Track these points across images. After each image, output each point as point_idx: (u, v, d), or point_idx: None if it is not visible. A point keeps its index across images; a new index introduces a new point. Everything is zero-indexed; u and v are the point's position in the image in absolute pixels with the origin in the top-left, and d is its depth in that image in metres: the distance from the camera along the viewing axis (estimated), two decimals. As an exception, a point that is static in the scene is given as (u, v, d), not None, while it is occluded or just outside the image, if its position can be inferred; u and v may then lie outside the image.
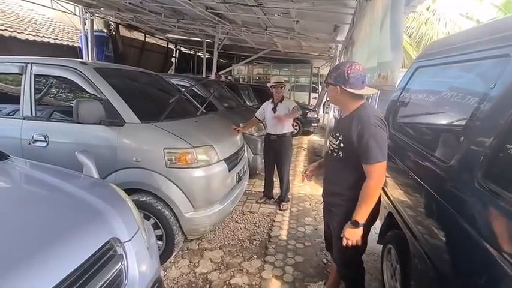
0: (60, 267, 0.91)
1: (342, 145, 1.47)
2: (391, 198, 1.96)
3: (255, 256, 2.40)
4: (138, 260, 1.17)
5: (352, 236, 1.40)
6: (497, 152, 0.98)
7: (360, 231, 1.40)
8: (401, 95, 2.22)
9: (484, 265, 0.95)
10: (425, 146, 1.58)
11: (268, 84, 3.26)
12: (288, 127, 3.19)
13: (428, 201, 1.42)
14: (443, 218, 1.24)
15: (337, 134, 1.50)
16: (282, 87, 3.12)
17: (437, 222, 1.30)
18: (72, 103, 2.06)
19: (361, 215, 1.38)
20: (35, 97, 2.32)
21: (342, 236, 1.44)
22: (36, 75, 2.34)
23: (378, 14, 1.99)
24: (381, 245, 2.13)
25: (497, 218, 0.93)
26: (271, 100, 3.23)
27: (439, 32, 9.68)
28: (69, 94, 2.56)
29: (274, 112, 3.14)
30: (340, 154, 1.48)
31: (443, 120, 1.60)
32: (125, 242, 1.15)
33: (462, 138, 1.20)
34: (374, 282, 2.14)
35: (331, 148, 1.56)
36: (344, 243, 1.43)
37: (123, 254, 1.11)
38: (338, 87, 1.42)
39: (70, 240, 1.01)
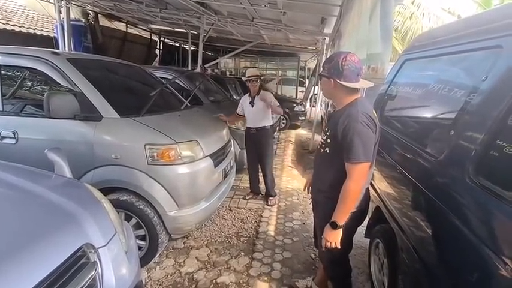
0: (24, 280, 0.81)
1: (329, 141, 1.41)
2: (379, 192, 1.95)
3: (243, 253, 2.35)
4: (114, 266, 1.08)
5: (330, 237, 1.36)
6: (489, 146, 0.96)
7: (338, 232, 1.35)
8: (389, 88, 2.20)
9: (473, 260, 0.93)
10: (414, 140, 1.56)
11: (244, 79, 3.14)
12: (267, 120, 3.11)
13: (416, 195, 1.40)
14: (433, 212, 1.22)
15: (326, 129, 1.45)
16: (257, 80, 3.03)
17: (426, 216, 1.28)
18: (44, 97, 1.90)
19: (340, 216, 1.33)
20: (1, 90, 2.13)
21: (322, 237, 1.41)
22: (2, 66, 2.15)
23: (366, 5, 1.94)
24: (368, 239, 2.13)
25: (490, 214, 0.91)
26: (248, 94, 3.14)
27: (423, 26, 9.85)
28: (40, 87, 2.38)
29: (252, 106, 3.06)
30: (327, 150, 1.43)
31: (432, 114, 1.58)
32: (100, 247, 1.06)
33: (452, 132, 1.18)
34: (361, 276, 2.15)
35: (320, 143, 1.51)
36: (323, 245, 1.39)
37: (97, 261, 1.02)
38: (332, 80, 1.33)
39: (36, 248, 0.91)
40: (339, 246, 1.37)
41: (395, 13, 9.46)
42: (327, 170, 1.46)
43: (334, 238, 1.36)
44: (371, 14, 1.69)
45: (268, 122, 3.14)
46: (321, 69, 1.40)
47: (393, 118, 2.08)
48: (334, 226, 1.33)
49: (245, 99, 3.16)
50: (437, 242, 1.16)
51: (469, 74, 1.28)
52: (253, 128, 3.12)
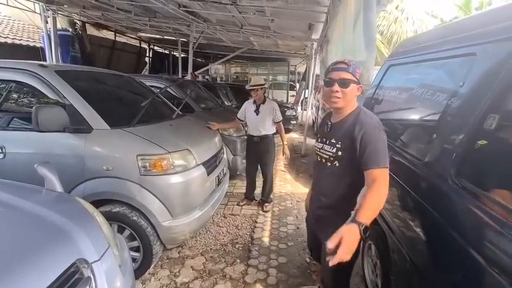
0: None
1: (340, 153, 1.30)
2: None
3: (238, 260, 2.35)
4: (108, 280, 1.08)
5: (348, 234, 1.05)
6: (468, 149, 1.01)
7: (358, 234, 1.07)
8: (376, 92, 2.26)
9: (458, 259, 0.97)
10: (401, 143, 1.61)
11: (247, 87, 3.17)
12: (270, 128, 3.14)
13: (404, 197, 1.45)
14: (419, 213, 1.27)
15: (333, 141, 1.33)
16: (258, 89, 3.05)
17: (414, 218, 1.33)
18: (32, 110, 1.89)
19: (369, 218, 1.10)
20: (-13, 104, 2.10)
21: (328, 248, 1.08)
22: (-13, 80, 2.13)
23: (350, 13, 2.01)
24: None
25: (469, 213, 0.95)
26: (252, 100, 3.15)
27: (407, 30, 10.16)
28: (28, 100, 2.34)
29: (257, 114, 3.08)
30: (337, 163, 1.33)
31: (416, 118, 1.64)
32: (93, 262, 1.05)
33: (435, 135, 1.23)
34: (356, 278, 2.17)
35: (325, 157, 1.37)
36: (333, 245, 1.05)
37: (91, 276, 1.01)
38: (360, 86, 1.31)
39: (28, 266, 0.90)
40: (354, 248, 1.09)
41: (380, 18, 9.73)
42: (338, 184, 1.36)
43: (354, 234, 1.06)
44: (355, 23, 1.75)
45: (272, 130, 3.17)
46: (352, 75, 1.28)
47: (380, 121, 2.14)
48: (360, 225, 1.07)
49: (249, 106, 3.15)
50: (424, 242, 1.20)
51: (448, 80, 1.34)
52: (256, 136, 3.13)
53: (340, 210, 1.32)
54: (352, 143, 1.24)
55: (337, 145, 1.31)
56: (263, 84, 3.08)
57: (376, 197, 1.14)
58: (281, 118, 3.16)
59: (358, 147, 1.22)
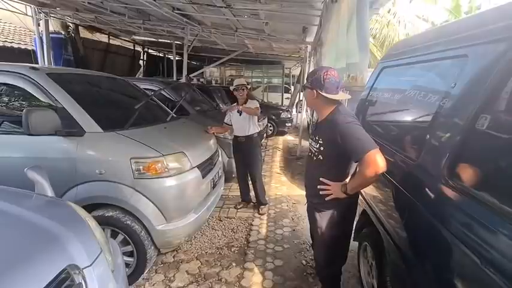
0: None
1: (322, 148, 1.53)
2: (364, 195, 2.00)
3: (234, 264, 2.33)
4: (101, 286, 1.05)
5: (335, 189, 1.50)
6: (460, 149, 1.02)
7: (342, 194, 1.49)
8: (369, 94, 2.28)
9: (451, 257, 0.97)
10: (394, 144, 1.62)
11: (231, 88, 3.18)
12: (254, 128, 3.15)
13: (398, 198, 1.45)
14: (413, 214, 1.26)
15: (317, 138, 1.56)
16: (244, 89, 3.07)
17: (408, 218, 1.33)
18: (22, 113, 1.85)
19: (353, 188, 1.45)
20: (-24, 107, 2.06)
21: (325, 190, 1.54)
22: (-24, 83, 2.08)
23: (344, 16, 2.03)
24: (357, 243, 2.17)
25: (462, 213, 0.96)
26: (236, 103, 3.18)
27: (399, 33, 10.31)
28: (19, 103, 2.30)
29: (240, 114, 3.10)
30: (320, 157, 1.56)
31: (409, 119, 1.66)
32: (85, 268, 1.03)
33: (428, 136, 1.24)
34: (352, 279, 2.17)
35: (312, 151, 1.63)
36: (322, 187, 1.54)
37: (83, 282, 0.99)
38: (314, 91, 1.49)
39: (18, 272, 0.87)
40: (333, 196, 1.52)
41: (372, 21, 9.86)
42: (324, 174, 1.57)
43: (337, 192, 1.50)
44: (348, 26, 1.77)
45: (256, 130, 3.17)
46: (305, 81, 1.52)
47: (374, 123, 2.15)
48: (344, 188, 1.47)
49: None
50: (417, 242, 1.20)
51: (441, 81, 1.36)
52: (241, 136, 3.14)
53: (323, 197, 1.56)
54: (333, 141, 1.43)
55: (319, 141, 1.54)
56: (246, 85, 3.13)
57: (358, 178, 1.42)
58: (259, 110, 3.12)
59: (340, 144, 1.40)
